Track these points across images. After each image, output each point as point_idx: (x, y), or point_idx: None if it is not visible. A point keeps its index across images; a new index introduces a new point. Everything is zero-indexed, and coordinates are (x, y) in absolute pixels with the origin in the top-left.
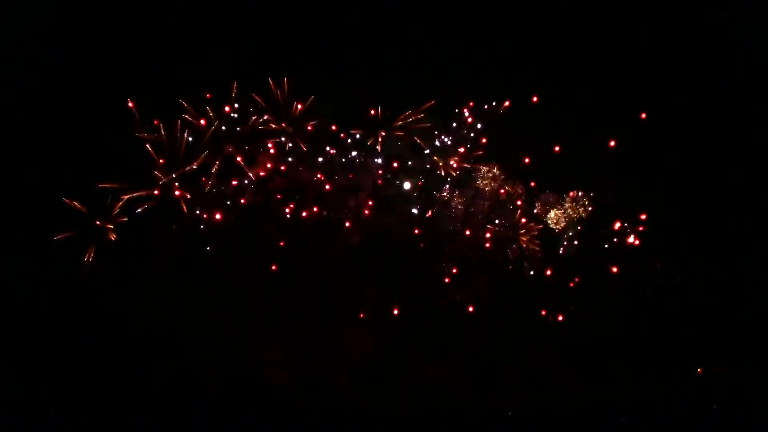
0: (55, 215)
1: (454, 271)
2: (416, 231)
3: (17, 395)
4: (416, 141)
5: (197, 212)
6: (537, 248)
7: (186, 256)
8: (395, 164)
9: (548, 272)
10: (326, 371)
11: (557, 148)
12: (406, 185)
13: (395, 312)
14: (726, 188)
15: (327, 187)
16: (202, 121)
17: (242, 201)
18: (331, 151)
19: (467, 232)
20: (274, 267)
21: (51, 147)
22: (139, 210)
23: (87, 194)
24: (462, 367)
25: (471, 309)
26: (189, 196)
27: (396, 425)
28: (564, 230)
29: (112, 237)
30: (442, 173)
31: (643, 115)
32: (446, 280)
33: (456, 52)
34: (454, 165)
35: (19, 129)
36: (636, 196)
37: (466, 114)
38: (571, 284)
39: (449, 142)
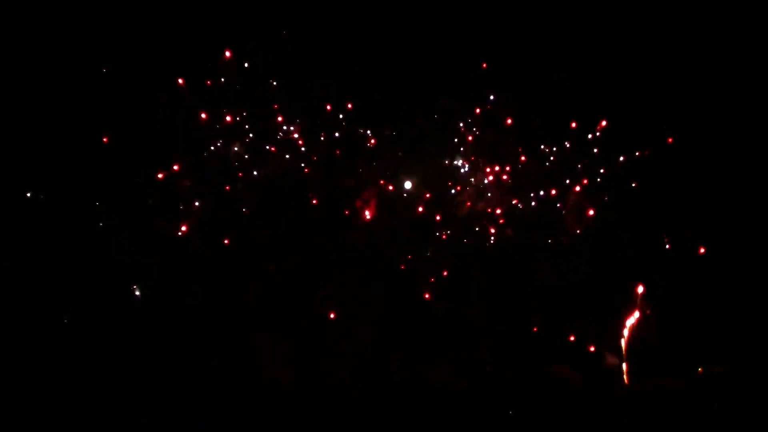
0: (53, 215)
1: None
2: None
3: (17, 395)
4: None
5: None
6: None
7: (185, 254)
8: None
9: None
10: (325, 371)
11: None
12: (408, 184)
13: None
14: (725, 188)
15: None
16: (203, 115)
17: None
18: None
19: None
20: (272, 267)
21: (51, 147)
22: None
23: (87, 195)
24: (461, 367)
25: (470, 309)
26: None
27: (395, 425)
28: None
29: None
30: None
31: (670, 140)
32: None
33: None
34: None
35: (20, 129)
36: (637, 198)
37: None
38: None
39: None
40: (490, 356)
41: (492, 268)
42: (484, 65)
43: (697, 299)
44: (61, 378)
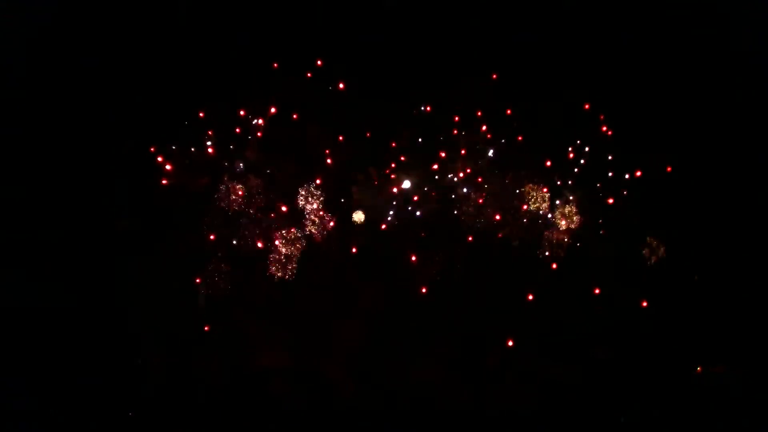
0: (52, 215)
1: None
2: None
3: (17, 396)
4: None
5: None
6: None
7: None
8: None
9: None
10: (323, 370)
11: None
12: (406, 183)
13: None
14: (725, 188)
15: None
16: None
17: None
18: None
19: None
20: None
21: (51, 148)
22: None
23: (88, 195)
24: (460, 367)
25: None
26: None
27: (393, 425)
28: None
29: None
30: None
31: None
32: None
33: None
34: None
35: (19, 129)
36: (635, 195)
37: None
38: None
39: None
40: (491, 356)
41: (491, 268)
42: (494, 76)
43: (697, 299)
44: (60, 378)
